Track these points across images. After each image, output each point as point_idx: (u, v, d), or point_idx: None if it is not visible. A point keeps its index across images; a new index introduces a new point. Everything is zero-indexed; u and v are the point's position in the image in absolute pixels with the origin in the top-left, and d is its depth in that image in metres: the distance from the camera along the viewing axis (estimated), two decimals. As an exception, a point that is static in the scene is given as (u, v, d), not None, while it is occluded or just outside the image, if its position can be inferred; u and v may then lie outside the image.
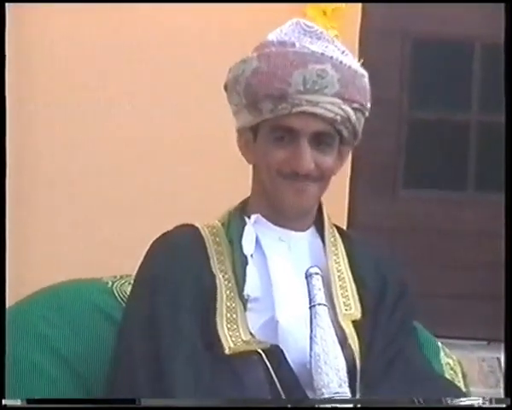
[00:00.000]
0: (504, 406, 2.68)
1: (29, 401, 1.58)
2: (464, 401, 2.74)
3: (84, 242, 6.45)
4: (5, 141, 2.93)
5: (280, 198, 2.72)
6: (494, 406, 2.75)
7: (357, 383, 2.66)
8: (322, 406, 2.53)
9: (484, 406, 2.71)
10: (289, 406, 2.58)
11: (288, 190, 2.70)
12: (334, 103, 2.66)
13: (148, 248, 2.76)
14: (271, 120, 2.67)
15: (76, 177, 6.57)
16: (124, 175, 6.52)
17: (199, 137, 6.28)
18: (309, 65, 2.65)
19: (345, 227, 3.10)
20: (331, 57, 2.69)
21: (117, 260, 4.68)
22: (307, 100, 2.64)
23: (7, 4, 3.08)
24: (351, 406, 2.58)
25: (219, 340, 2.63)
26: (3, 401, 1.66)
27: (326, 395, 2.59)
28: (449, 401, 2.73)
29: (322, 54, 2.69)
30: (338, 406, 2.55)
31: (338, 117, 2.68)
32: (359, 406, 2.59)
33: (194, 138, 6.33)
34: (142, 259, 2.75)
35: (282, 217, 2.76)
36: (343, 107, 2.68)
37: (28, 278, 5.92)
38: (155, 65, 6.48)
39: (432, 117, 5.73)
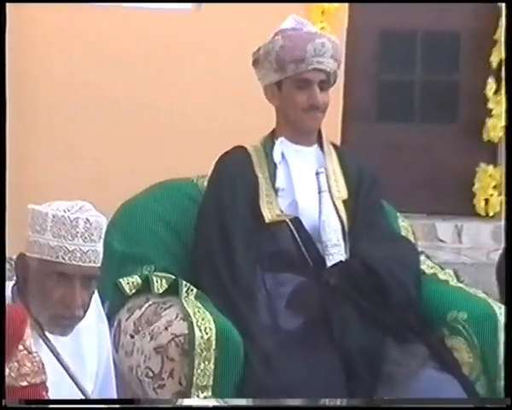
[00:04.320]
0: (504, 406, 2.07)
1: (28, 401, 1.32)
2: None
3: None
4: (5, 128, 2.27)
5: (301, 124, 2.71)
6: (494, 406, 2.22)
7: (347, 240, 2.66)
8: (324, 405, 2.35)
9: (484, 406, 2.26)
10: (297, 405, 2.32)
11: (307, 119, 2.70)
12: (330, 62, 2.69)
13: (216, 160, 2.75)
14: (293, 76, 2.67)
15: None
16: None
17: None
18: (315, 39, 2.68)
19: (339, 144, 3.08)
20: (324, 36, 2.76)
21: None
22: (317, 61, 2.66)
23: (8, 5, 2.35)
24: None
25: (262, 214, 2.64)
26: (3, 402, 1.30)
27: (329, 247, 2.61)
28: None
29: (320, 33, 2.78)
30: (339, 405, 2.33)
31: (332, 70, 2.71)
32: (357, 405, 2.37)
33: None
34: (213, 165, 2.76)
35: (299, 137, 2.73)
36: (334, 64, 2.72)
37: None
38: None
39: (393, 78, 5.56)
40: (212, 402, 1.89)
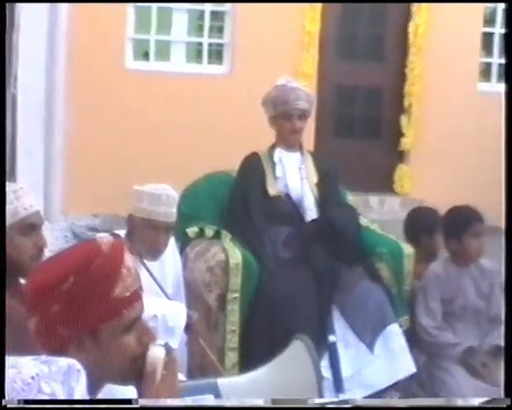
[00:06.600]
0: (504, 406, 1.37)
1: (27, 401, 0.81)
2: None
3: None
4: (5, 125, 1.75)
5: (287, 141, 2.67)
6: (494, 405, 1.49)
7: (317, 207, 2.62)
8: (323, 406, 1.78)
9: (484, 406, 1.45)
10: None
11: (290, 138, 2.66)
12: (304, 104, 2.65)
13: (242, 160, 2.71)
14: (281, 112, 2.62)
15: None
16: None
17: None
18: (295, 91, 2.64)
19: (313, 151, 3.02)
20: (300, 88, 2.67)
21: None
22: (295, 103, 2.61)
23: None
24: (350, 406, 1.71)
25: (267, 191, 2.64)
26: (3, 402, 0.88)
27: (307, 211, 2.58)
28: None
29: (300, 88, 2.69)
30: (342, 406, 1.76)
31: (305, 108, 2.66)
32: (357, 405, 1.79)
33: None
34: (240, 163, 2.72)
35: (288, 148, 2.70)
36: (307, 104, 2.67)
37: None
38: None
39: (345, 113, 5.40)
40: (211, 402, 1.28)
